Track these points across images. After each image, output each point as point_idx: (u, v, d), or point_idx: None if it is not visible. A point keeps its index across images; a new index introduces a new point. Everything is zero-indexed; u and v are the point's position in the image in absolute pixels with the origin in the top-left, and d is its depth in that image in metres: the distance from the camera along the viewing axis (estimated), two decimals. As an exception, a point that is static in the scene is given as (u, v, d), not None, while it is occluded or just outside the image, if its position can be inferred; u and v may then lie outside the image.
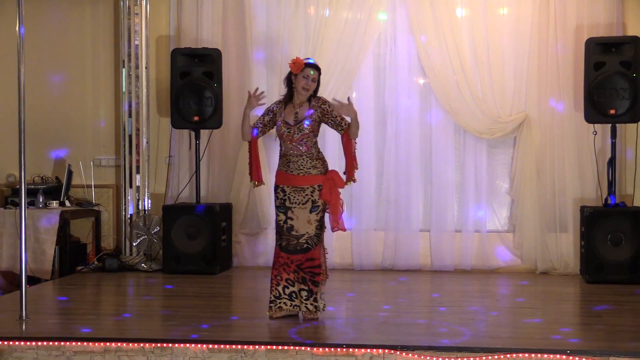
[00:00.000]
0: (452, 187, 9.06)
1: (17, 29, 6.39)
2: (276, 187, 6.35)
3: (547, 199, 8.82)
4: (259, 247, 9.20)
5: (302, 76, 6.21)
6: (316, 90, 6.31)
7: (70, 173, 9.15)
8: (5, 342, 5.64)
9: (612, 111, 8.23)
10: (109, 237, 9.49)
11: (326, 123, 6.32)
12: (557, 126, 8.81)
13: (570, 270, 8.72)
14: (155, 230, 9.10)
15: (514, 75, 8.89)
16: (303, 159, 6.25)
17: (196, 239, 8.75)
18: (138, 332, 6.03)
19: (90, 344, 5.60)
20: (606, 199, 8.40)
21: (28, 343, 5.64)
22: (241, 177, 9.07)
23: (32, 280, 8.27)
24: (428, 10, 8.91)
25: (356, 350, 5.41)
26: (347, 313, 6.90)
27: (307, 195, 6.23)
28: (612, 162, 8.37)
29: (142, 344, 5.57)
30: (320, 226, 6.27)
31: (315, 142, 6.31)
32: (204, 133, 9.05)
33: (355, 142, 6.39)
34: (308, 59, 6.38)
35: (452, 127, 9.03)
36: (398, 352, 5.36)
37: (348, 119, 6.33)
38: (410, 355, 5.34)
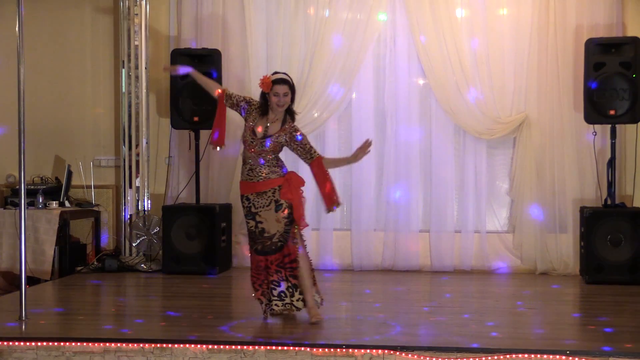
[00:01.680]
0: (452, 188, 9.05)
1: (16, 29, 6.39)
2: (241, 197, 6.41)
3: (546, 200, 8.82)
4: (258, 247, 9.18)
5: (272, 94, 6.24)
6: (293, 99, 6.31)
7: (70, 173, 9.14)
8: (5, 343, 5.64)
9: (612, 112, 8.23)
10: (109, 238, 9.49)
11: (293, 150, 6.36)
12: (556, 126, 8.81)
13: (570, 270, 8.72)
14: (155, 230, 9.09)
15: (514, 76, 8.89)
16: (263, 167, 6.30)
17: (196, 240, 8.75)
18: (138, 332, 6.02)
19: (90, 344, 5.61)
20: (606, 200, 8.40)
21: (28, 343, 5.63)
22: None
23: (32, 280, 8.27)
24: (428, 11, 8.91)
25: (356, 350, 5.41)
26: (347, 313, 6.90)
27: (269, 197, 6.29)
28: (611, 163, 8.37)
29: (141, 345, 5.57)
30: (290, 222, 6.30)
31: (274, 157, 6.31)
32: (204, 133, 9.02)
33: (327, 172, 6.33)
34: (276, 73, 6.35)
35: (452, 127, 9.03)
36: (398, 353, 5.36)
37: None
38: (410, 355, 5.34)
